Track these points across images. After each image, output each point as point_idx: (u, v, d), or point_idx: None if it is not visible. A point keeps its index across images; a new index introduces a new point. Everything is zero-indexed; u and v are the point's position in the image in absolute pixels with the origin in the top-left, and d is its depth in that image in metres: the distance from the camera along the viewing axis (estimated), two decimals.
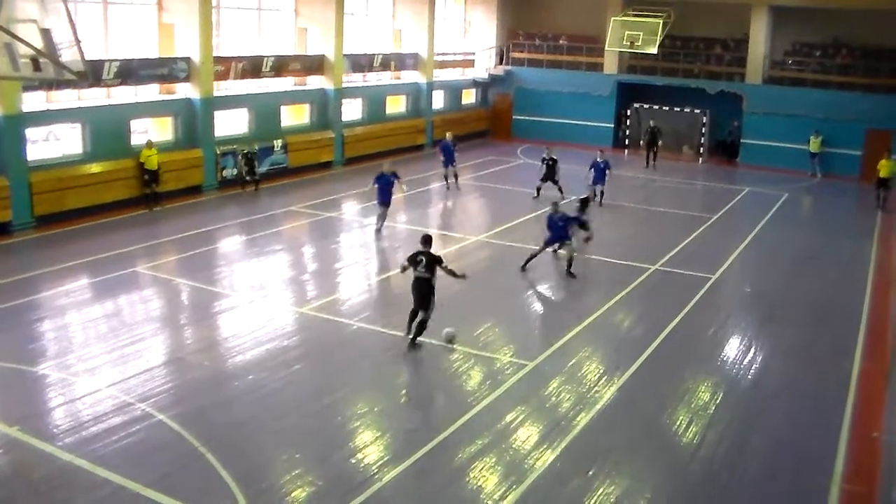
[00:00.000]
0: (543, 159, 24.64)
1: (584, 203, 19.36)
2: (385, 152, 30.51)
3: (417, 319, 12.97)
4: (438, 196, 25.87)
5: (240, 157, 24.33)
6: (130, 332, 13.28)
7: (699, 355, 13.37)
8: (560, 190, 23.96)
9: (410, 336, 13.01)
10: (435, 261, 13.01)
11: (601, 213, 23.01)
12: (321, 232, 20.48)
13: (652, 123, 32.50)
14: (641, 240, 20.74)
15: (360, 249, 19.23)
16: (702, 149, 34.21)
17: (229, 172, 24.51)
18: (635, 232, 21.73)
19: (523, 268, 17.32)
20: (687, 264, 18.33)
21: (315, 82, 28.76)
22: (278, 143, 26.35)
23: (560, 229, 17.17)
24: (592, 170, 24.21)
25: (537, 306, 15.64)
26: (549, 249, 17.75)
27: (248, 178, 24.15)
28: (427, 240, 13.27)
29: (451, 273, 13.17)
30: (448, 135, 27.15)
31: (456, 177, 26.35)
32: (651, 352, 13.28)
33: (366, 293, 15.81)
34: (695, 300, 15.91)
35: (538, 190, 24.58)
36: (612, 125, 35.76)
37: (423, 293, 12.93)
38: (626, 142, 35.48)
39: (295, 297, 15.42)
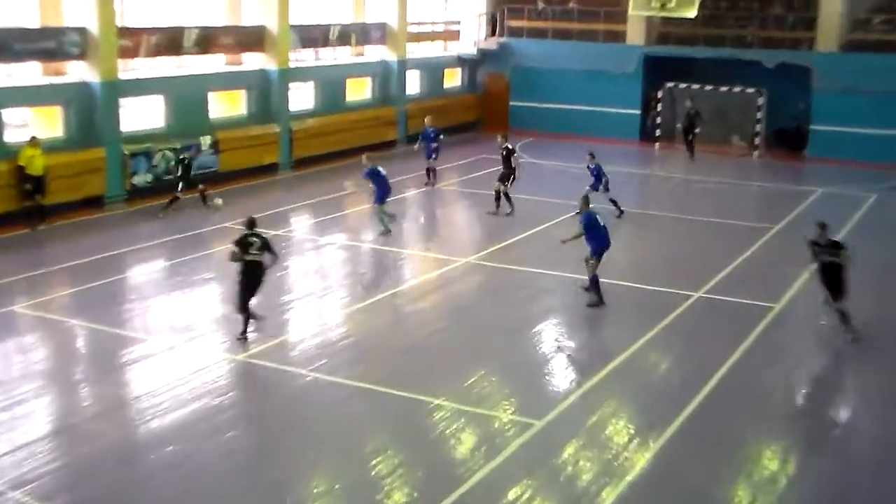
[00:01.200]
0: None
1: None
2: (345, 152, 30.66)
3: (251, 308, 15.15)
4: (416, 206, 25.99)
5: (173, 162, 24.32)
6: (2, 394, 13.08)
7: (761, 410, 13.34)
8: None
9: (242, 332, 15.06)
10: (267, 244, 15.16)
11: (623, 224, 23.09)
12: None
13: (689, 106, 32.88)
14: (679, 259, 20.86)
15: (314, 277, 19.22)
16: (757, 139, 34.56)
17: (141, 179, 24.56)
18: (671, 248, 21.86)
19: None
20: (740, 290, 18.39)
21: (253, 61, 28.98)
22: (205, 141, 26.42)
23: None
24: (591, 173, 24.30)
25: (545, 347, 15.63)
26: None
27: (180, 187, 23.62)
28: (253, 223, 15.40)
29: (274, 258, 15.41)
30: (427, 119, 27.78)
31: (434, 173, 26.96)
32: (696, 406, 13.24)
33: (322, 334, 15.77)
34: (752, 337, 15.92)
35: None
36: (639, 112, 36.16)
37: (260, 278, 15.08)
38: (657, 133, 35.81)
39: (229, 341, 15.33)
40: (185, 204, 23.71)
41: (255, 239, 15.03)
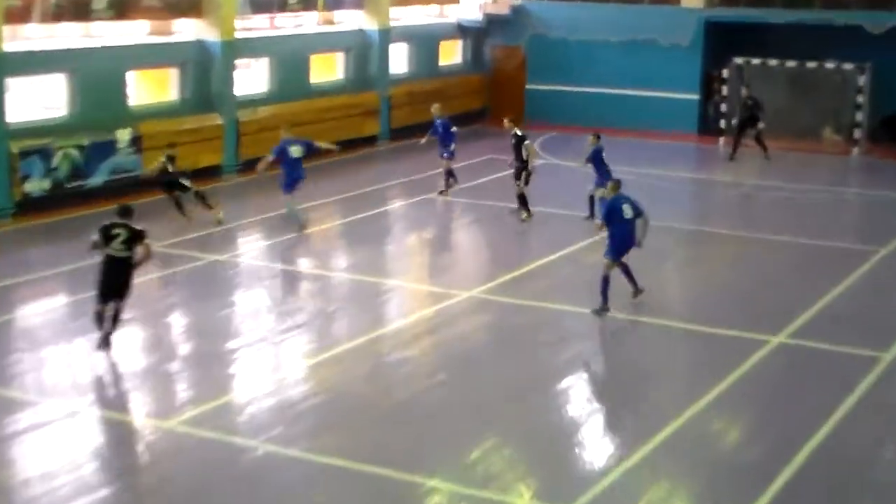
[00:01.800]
0: None
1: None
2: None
3: (111, 312, 16.07)
4: (404, 221, 26.22)
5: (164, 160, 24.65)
6: None
7: (873, 495, 13.35)
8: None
9: (102, 336, 16.15)
10: (136, 237, 16.12)
11: (676, 246, 23.14)
12: (203, 287, 20.67)
13: (745, 93, 33.21)
14: (752, 292, 20.89)
15: (268, 316, 19.29)
16: (857, 131, 34.74)
17: (36, 186, 24.67)
18: (741, 278, 21.96)
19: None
20: (836, 334, 18.41)
21: (187, 30, 29.22)
22: (124, 136, 26.57)
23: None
24: (591, 163, 24.69)
25: (574, 410, 15.65)
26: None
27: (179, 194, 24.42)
28: (126, 211, 16.39)
29: (147, 257, 16.44)
30: (435, 108, 28.05)
31: (452, 177, 27.49)
32: (779, 490, 13.21)
33: (279, 392, 15.76)
34: (853, 398, 15.88)
35: None
36: (697, 96, 36.51)
37: (122, 277, 15.99)
38: (721, 124, 35.99)
39: (154, 402, 15.35)
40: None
41: (120, 230, 16.03)
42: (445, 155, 27.40)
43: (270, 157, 24.21)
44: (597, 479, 13.32)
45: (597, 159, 24.69)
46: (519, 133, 25.30)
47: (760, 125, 32.54)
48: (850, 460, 14.08)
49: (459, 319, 19.13)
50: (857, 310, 19.89)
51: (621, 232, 18.55)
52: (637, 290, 19.29)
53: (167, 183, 24.39)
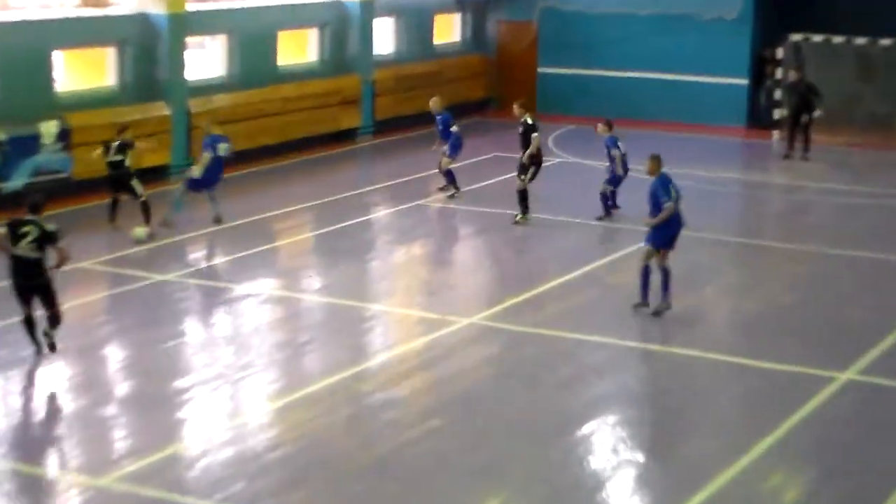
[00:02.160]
0: None
1: None
2: (278, 147, 31.47)
3: (46, 317, 17.30)
4: (393, 234, 26.44)
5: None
6: None
7: None
8: None
9: (42, 347, 17.29)
10: (48, 237, 16.84)
11: (721, 262, 23.12)
12: (143, 314, 20.67)
13: (795, 77, 33.40)
14: (813, 318, 20.96)
15: (225, 350, 19.31)
16: None
17: None
18: (799, 302, 21.99)
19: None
20: None
21: (127, 2, 29.33)
22: (50, 129, 26.64)
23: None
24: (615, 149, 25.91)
25: (596, 462, 15.55)
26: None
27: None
28: (36, 206, 17.24)
29: (63, 261, 17.22)
30: (434, 102, 28.47)
31: (451, 177, 27.88)
32: None
33: (239, 441, 15.72)
34: None
35: None
36: (747, 81, 36.61)
37: (35, 281, 16.86)
38: (775, 114, 36.11)
39: (85, 455, 15.33)
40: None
41: (29, 228, 16.82)
42: (447, 152, 27.83)
43: (207, 155, 24.82)
44: None
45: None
46: (530, 121, 25.73)
47: (817, 113, 32.61)
48: None
49: (457, 352, 19.12)
50: None
51: (670, 218, 19.59)
52: (665, 304, 19.91)
53: (115, 179, 24.63)
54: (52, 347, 17.47)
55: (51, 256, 17.38)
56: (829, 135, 33.19)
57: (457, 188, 27.99)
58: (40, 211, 17.25)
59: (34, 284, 16.99)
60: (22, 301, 17.14)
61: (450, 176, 27.98)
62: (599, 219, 25.87)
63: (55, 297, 17.39)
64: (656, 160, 20.30)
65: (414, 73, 36.41)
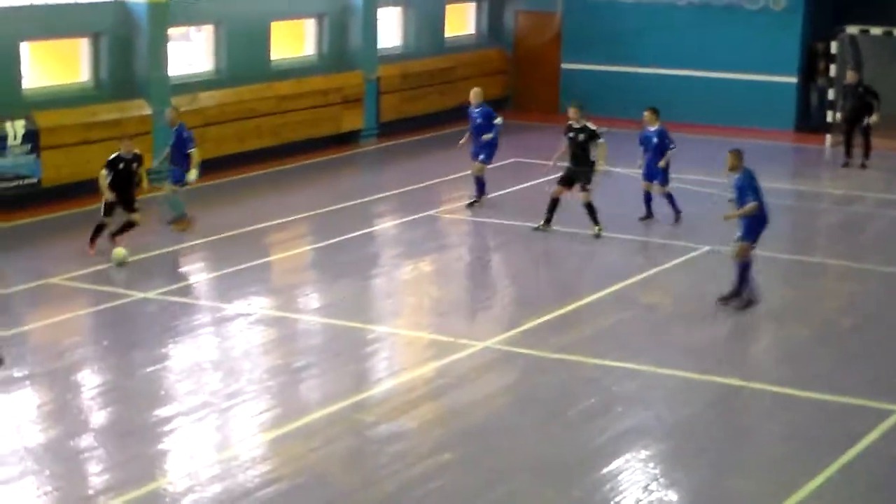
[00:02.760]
0: None
1: None
2: (272, 150, 31.51)
3: None
4: (400, 247, 26.64)
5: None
6: None
7: None
8: None
9: None
10: None
11: (767, 283, 23.29)
12: (121, 335, 20.84)
13: (853, 78, 33.35)
14: (869, 346, 20.94)
15: (213, 375, 19.40)
16: None
17: None
18: (852, 325, 22.05)
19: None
20: None
21: None
22: (15, 129, 26.81)
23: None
24: (643, 147, 26.82)
25: (628, 499, 15.48)
26: None
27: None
28: None
29: None
30: (475, 93, 28.89)
31: (482, 185, 28.14)
32: None
33: (228, 477, 15.75)
34: None
35: None
36: (796, 80, 36.70)
37: None
38: (828, 116, 36.20)
39: (60, 489, 15.38)
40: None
41: None
42: (481, 156, 27.99)
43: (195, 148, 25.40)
44: None
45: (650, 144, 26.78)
46: (592, 127, 26.17)
47: (874, 118, 32.75)
48: None
49: (471, 380, 19.18)
50: None
51: (761, 208, 21.34)
52: (740, 299, 21.75)
53: (123, 198, 24.12)
54: None
55: None
56: (888, 139, 33.27)
57: (480, 196, 28.19)
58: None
59: None
60: None
61: (480, 183, 28.15)
62: (643, 219, 26.89)
63: None
64: (738, 155, 21.92)
65: (423, 69, 36.64)
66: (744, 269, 21.63)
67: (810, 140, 35.81)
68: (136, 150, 24.21)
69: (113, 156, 23.88)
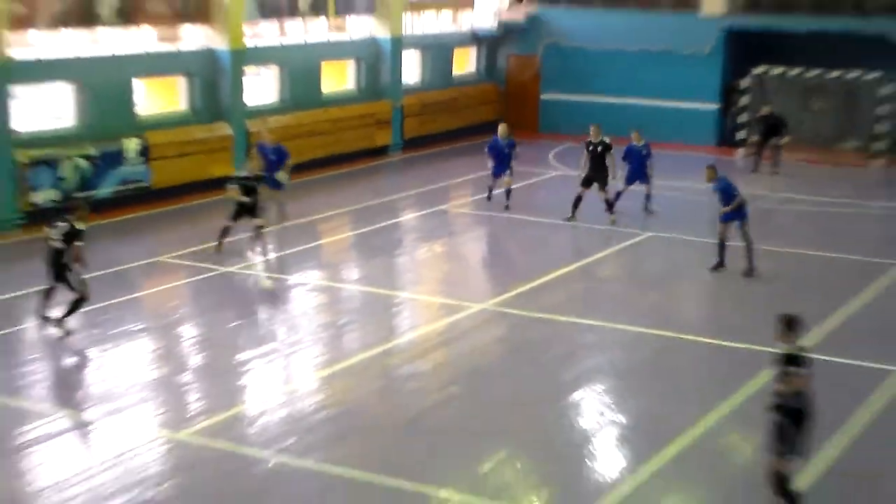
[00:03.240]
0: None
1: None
2: (322, 161, 31.52)
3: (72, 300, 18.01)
4: (415, 234, 26.59)
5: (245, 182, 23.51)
6: None
7: None
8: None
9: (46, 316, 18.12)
10: (73, 235, 17.70)
11: (694, 263, 23.40)
12: (212, 299, 20.93)
13: (766, 111, 33.29)
14: (767, 306, 20.56)
15: (280, 328, 19.63)
16: (879, 143, 34.95)
17: (44, 197, 24.96)
18: (754, 291, 22.07)
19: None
20: (852, 348, 18.55)
21: (195, 38, 29.46)
22: (132, 146, 26.84)
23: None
24: (626, 160, 26.65)
25: (586, 421, 15.85)
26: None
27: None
28: (72, 208, 18.40)
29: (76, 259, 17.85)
30: (501, 128, 28.52)
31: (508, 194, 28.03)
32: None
33: (291, 404, 16.01)
34: (867, 411, 16.09)
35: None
36: (717, 106, 36.73)
37: (58, 266, 17.71)
38: (741, 135, 36.16)
39: (166, 413, 15.61)
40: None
41: (62, 224, 17.86)
42: (502, 173, 28.00)
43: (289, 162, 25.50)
44: (608, 491, 13.48)
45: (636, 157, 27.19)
46: (607, 141, 26.48)
47: (785, 139, 32.75)
48: (862, 472, 14.21)
49: (471, 332, 19.30)
50: (874, 323, 20.03)
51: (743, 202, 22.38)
52: (751, 267, 22.49)
53: (249, 206, 23.27)
54: (58, 324, 18.07)
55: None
56: (785, 152, 33.31)
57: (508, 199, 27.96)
58: (75, 213, 17.98)
59: (57, 269, 17.82)
60: (47, 280, 18.11)
61: (508, 190, 27.91)
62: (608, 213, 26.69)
63: (72, 284, 17.95)
64: (712, 168, 22.82)
65: (436, 99, 36.57)
66: (722, 244, 22.56)
67: (727, 153, 35.69)
68: (259, 172, 23.77)
69: (241, 173, 23.68)
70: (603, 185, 26.42)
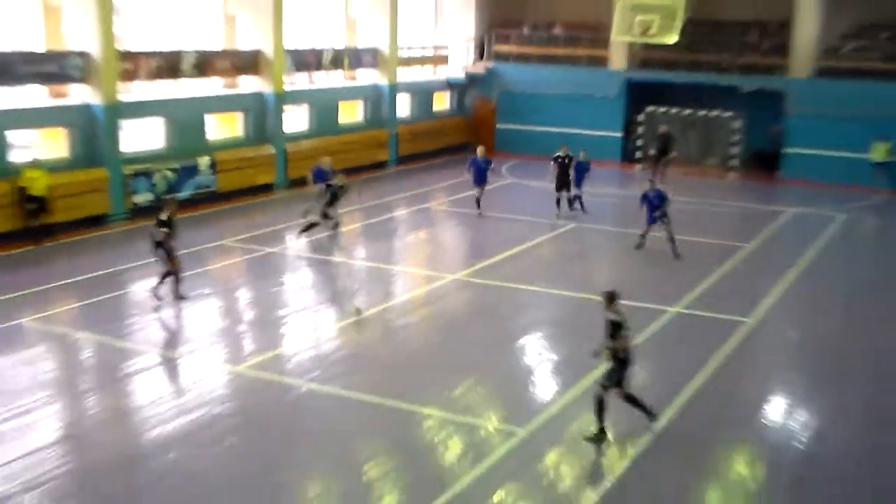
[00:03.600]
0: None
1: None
2: (338, 171, 30.86)
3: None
4: (406, 225, 26.31)
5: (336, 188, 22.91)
6: (12, 403, 13.30)
7: (733, 419, 13.58)
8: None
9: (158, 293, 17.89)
10: (162, 224, 17.83)
11: (606, 243, 23.41)
12: (260, 271, 20.75)
13: (662, 129, 33.27)
14: (654, 276, 21.08)
15: (309, 292, 19.51)
16: (734, 161, 35.03)
17: (142, 198, 24.79)
18: (645, 266, 22.03)
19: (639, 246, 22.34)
20: (714, 305, 18.65)
21: (249, 85, 29.25)
22: (204, 162, 26.70)
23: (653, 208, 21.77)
24: (575, 171, 26.31)
25: (529, 360, 15.87)
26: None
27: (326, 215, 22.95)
28: (162, 208, 18.12)
29: (166, 240, 17.77)
30: (480, 150, 27.44)
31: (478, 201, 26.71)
32: (672, 415, 13.47)
33: (317, 347, 16.00)
34: (725, 351, 16.18)
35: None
36: (621, 134, 36.53)
37: (159, 251, 17.87)
38: (639, 155, 36.24)
39: (228, 353, 15.61)
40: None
41: (162, 218, 17.77)
42: (481, 184, 26.77)
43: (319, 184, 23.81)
44: (544, 408, 13.58)
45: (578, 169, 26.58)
46: (572, 155, 26.47)
47: (672, 155, 32.64)
48: (721, 395, 14.31)
49: (447, 296, 19.25)
50: (730, 288, 20.09)
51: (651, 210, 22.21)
52: (676, 252, 22.01)
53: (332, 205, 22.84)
54: (177, 296, 17.92)
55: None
56: (672, 167, 33.32)
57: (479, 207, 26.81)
58: (168, 209, 17.92)
59: (158, 252, 17.90)
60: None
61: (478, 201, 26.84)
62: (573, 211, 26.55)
63: (169, 262, 17.86)
64: (651, 182, 22.53)
65: (421, 128, 36.38)
66: (643, 235, 22.56)
67: (628, 167, 35.83)
68: (345, 181, 23.06)
69: (336, 182, 22.91)
70: (568, 188, 26.30)
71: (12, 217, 21.56)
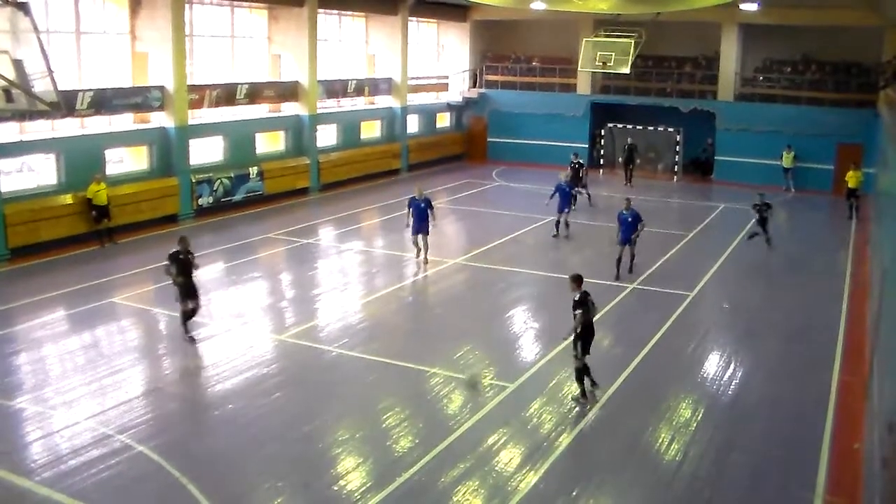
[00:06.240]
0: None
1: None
2: (361, 178, 30.81)
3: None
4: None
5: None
6: (108, 364, 13.24)
7: (679, 373, 13.49)
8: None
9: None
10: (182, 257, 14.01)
11: (579, 234, 23.18)
12: (298, 258, 20.54)
13: (629, 142, 33.00)
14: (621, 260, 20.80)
15: (337, 275, 19.28)
16: (676, 167, 34.70)
17: (205, 201, 24.54)
18: (611, 250, 21.64)
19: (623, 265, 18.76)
20: (664, 282, 18.49)
21: (289, 109, 28.90)
22: (254, 171, 26.41)
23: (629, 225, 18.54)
24: (557, 194, 22.64)
25: (516, 329, 15.70)
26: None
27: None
28: (183, 240, 14.32)
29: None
30: (562, 176, 23.49)
31: (567, 224, 22.91)
32: (631, 370, 13.38)
33: (344, 319, 15.80)
34: (673, 318, 16.06)
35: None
36: (587, 145, 36.13)
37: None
38: (602, 161, 35.88)
39: (273, 324, 15.42)
40: (236, 221, 23.44)
41: (178, 251, 14.21)
42: (565, 209, 22.67)
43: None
44: (529, 367, 13.47)
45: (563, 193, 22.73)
46: (583, 161, 26.47)
47: (638, 162, 32.68)
48: (670, 354, 14.23)
49: (449, 276, 19.05)
50: (676, 267, 19.95)
51: (624, 229, 18.69)
52: (632, 265, 18.87)
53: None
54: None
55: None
56: (638, 172, 33.05)
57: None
58: (182, 243, 14.45)
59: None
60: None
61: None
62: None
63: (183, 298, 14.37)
64: (628, 200, 19.12)
65: (427, 142, 36.02)
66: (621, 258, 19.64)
67: (594, 172, 35.03)
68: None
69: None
70: (584, 187, 26.50)
71: (87, 221, 20.81)
